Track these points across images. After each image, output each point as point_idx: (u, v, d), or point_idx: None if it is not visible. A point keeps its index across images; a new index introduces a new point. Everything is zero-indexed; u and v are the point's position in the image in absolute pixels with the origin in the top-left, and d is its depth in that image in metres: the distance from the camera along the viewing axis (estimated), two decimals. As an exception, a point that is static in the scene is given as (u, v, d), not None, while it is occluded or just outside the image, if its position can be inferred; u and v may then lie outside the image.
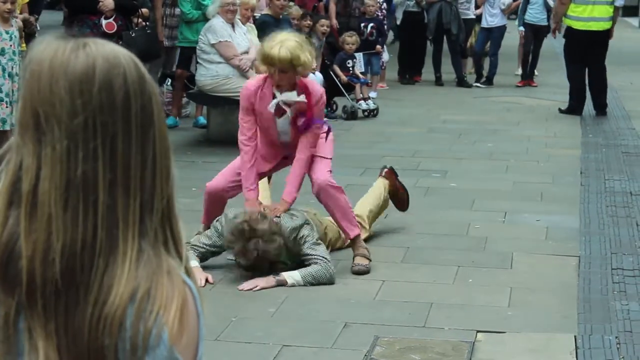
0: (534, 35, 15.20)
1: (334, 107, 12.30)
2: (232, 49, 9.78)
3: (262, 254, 5.89)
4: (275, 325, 5.35)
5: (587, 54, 12.30)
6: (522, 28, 15.56)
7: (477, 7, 15.67)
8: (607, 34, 12.39)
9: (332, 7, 14.50)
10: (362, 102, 12.49)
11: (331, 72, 12.22)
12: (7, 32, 7.94)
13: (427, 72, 15.57)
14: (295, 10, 12.33)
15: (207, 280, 5.95)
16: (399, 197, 7.26)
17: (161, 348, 1.41)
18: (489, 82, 15.46)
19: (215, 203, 6.44)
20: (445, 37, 15.25)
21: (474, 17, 15.63)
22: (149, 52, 9.23)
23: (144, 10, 10.07)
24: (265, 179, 6.77)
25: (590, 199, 8.21)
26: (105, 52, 1.44)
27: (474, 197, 8.20)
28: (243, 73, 9.78)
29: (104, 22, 9.44)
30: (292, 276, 5.98)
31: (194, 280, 1.50)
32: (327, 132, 6.42)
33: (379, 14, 14.22)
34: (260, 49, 6.21)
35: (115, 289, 1.41)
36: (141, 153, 1.44)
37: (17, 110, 1.47)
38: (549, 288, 6.02)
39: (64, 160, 1.41)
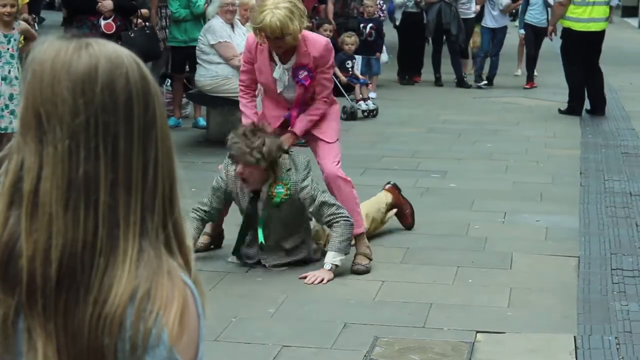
0: (535, 36, 15.17)
1: (334, 108, 12.28)
2: (231, 50, 9.78)
3: (267, 153, 5.87)
4: (275, 325, 5.35)
5: (586, 54, 12.31)
6: (522, 31, 15.53)
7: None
8: (603, 34, 12.42)
9: (330, 7, 14.50)
10: (361, 102, 12.49)
11: (331, 73, 12.20)
12: (5, 36, 7.93)
13: (427, 72, 15.57)
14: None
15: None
16: (404, 213, 7.23)
17: (161, 348, 1.42)
18: (489, 82, 15.45)
19: None
20: (444, 38, 15.24)
21: (474, 16, 15.60)
22: (149, 52, 9.22)
23: (144, 10, 10.06)
24: None
25: (590, 200, 8.21)
26: (107, 52, 1.45)
27: (474, 197, 8.20)
28: (243, 73, 9.77)
29: (102, 22, 9.43)
30: (334, 260, 6.05)
31: (199, 285, 1.50)
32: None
33: (381, 14, 14.22)
34: (253, 15, 6.25)
35: (116, 289, 1.41)
36: (143, 153, 1.44)
37: (19, 111, 1.47)
38: (548, 288, 6.02)
39: (65, 160, 1.41)
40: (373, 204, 7.02)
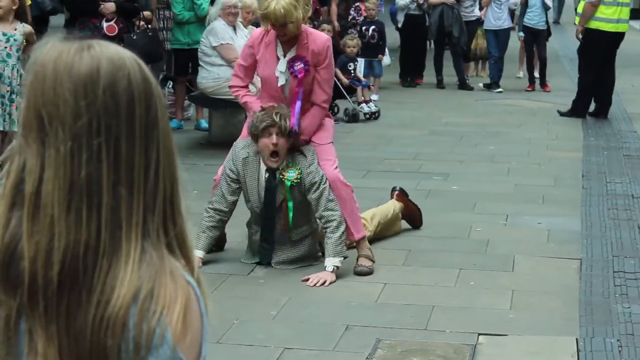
0: (533, 39, 15.15)
1: (336, 110, 12.30)
2: (233, 52, 9.77)
3: (284, 128, 6.02)
4: (276, 327, 5.35)
5: (609, 55, 12.34)
6: (522, 33, 15.52)
7: (480, 8, 15.60)
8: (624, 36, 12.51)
9: (334, 9, 14.49)
10: (363, 104, 12.49)
11: (333, 75, 12.20)
12: (4, 34, 7.93)
13: (429, 75, 15.57)
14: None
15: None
16: (412, 216, 7.29)
17: (164, 348, 1.41)
18: (495, 85, 15.42)
19: None
20: (446, 40, 15.24)
21: (477, 19, 15.59)
22: (151, 54, 9.22)
23: (146, 12, 10.07)
24: None
25: (592, 202, 8.20)
26: (110, 54, 1.45)
27: (476, 199, 8.20)
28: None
29: (105, 24, 9.44)
30: (334, 263, 6.08)
31: (201, 285, 1.50)
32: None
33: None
34: (260, 0, 6.35)
35: (118, 290, 1.41)
36: (145, 154, 1.44)
37: (20, 112, 1.47)
38: (550, 291, 6.01)
39: (67, 161, 1.41)
40: (382, 208, 7.05)
